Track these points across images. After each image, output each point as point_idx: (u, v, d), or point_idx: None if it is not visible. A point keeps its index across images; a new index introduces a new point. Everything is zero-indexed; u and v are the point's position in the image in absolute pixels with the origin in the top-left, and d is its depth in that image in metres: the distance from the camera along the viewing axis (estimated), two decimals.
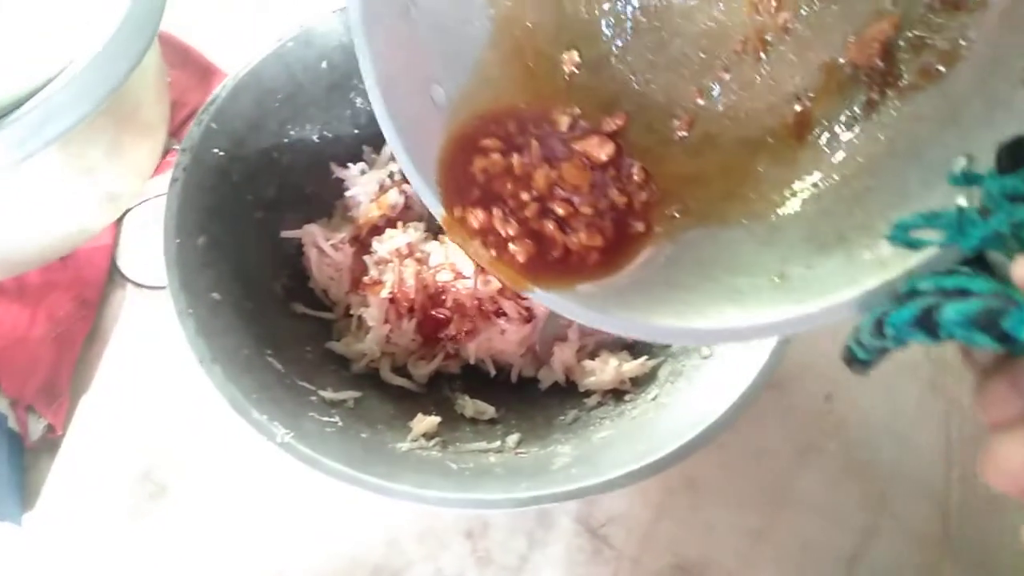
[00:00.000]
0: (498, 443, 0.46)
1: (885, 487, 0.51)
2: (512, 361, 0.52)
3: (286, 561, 0.47)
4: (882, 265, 0.27)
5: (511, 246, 0.36)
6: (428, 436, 0.45)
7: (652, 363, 0.50)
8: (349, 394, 0.47)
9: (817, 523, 0.50)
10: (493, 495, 0.39)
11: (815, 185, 0.33)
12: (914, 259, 0.26)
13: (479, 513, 0.49)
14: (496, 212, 0.36)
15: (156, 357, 0.54)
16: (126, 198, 0.57)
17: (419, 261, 0.51)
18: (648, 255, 0.36)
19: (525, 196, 0.37)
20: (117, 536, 0.48)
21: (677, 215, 0.37)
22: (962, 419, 0.54)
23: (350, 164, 0.56)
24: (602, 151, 0.38)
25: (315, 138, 0.56)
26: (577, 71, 0.40)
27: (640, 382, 0.50)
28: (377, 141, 0.58)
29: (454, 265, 0.50)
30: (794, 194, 0.34)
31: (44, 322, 0.53)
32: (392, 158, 0.57)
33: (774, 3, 0.35)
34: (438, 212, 0.36)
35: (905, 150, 0.30)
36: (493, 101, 0.39)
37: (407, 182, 0.55)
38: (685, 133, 0.38)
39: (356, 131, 0.58)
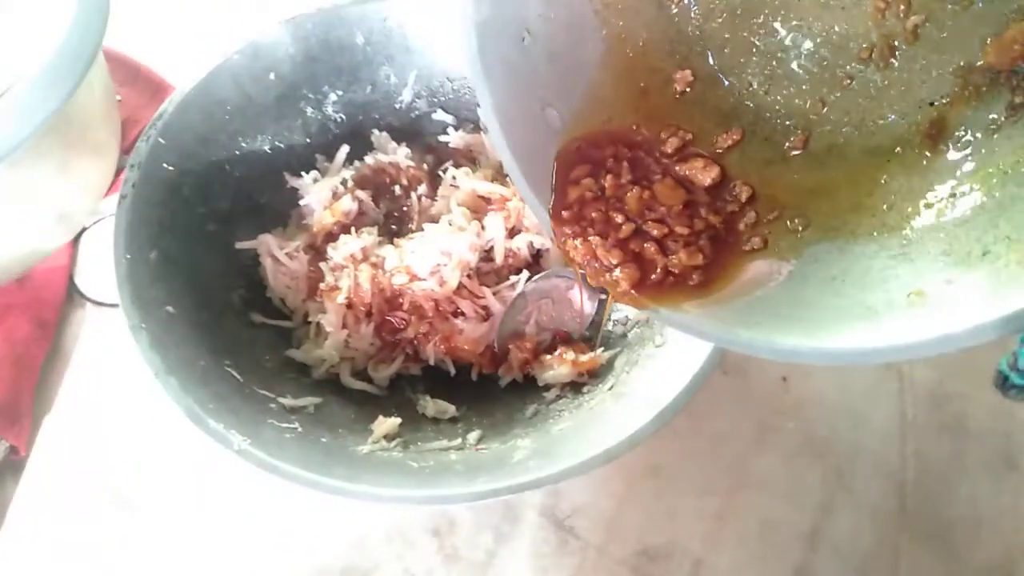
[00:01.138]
0: (459, 440, 0.47)
1: (842, 464, 0.52)
2: (471, 360, 0.52)
3: (255, 570, 0.48)
4: None
5: (616, 273, 0.36)
6: (389, 437, 0.46)
7: (608, 354, 0.51)
8: (309, 400, 0.47)
9: (777, 502, 0.51)
10: (451, 490, 0.39)
11: (952, 195, 0.32)
12: None
13: (445, 510, 0.50)
14: (594, 239, 0.37)
15: (118, 374, 0.54)
16: (80, 217, 0.57)
17: (374, 265, 0.51)
18: (769, 272, 0.36)
19: (619, 218, 0.37)
20: (85, 554, 0.48)
21: (801, 229, 0.36)
22: (915, 396, 0.55)
23: (303, 173, 0.57)
24: (707, 175, 0.38)
25: (267, 148, 0.56)
26: (690, 89, 0.40)
27: (597, 373, 0.50)
28: (329, 149, 0.59)
29: (409, 268, 0.50)
30: (929, 205, 0.32)
31: (2, 344, 0.53)
32: (345, 163, 0.58)
33: (903, 6, 0.34)
34: (550, 233, 0.38)
35: None
36: (606, 122, 0.40)
37: (360, 187, 0.55)
38: (801, 149, 0.38)
39: (308, 140, 0.59)
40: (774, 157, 0.39)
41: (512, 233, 0.54)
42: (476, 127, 0.60)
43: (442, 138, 0.60)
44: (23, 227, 0.51)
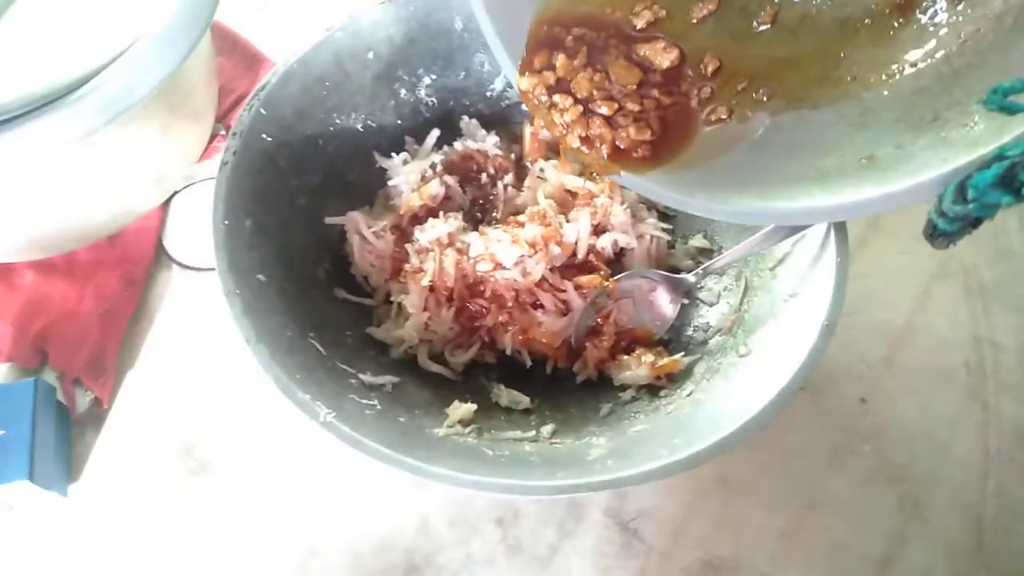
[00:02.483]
0: (533, 432, 0.47)
1: (919, 493, 0.51)
2: (547, 353, 0.52)
3: (319, 540, 0.48)
4: (973, 143, 0.27)
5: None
6: (464, 423, 0.46)
7: (688, 360, 0.50)
8: (387, 379, 0.48)
9: (848, 525, 0.50)
10: (530, 481, 0.39)
11: (914, 65, 0.33)
12: (1008, 135, 0.25)
13: (511, 501, 0.50)
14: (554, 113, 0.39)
15: (199, 336, 0.55)
16: (174, 181, 0.59)
17: (459, 251, 0.51)
18: (733, 140, 0.37)
19: (566, 102, 0.40)
20: (157, 509, 0.49)
21: (766, 98, 0.37)
22: (1000, 431, 0.53)
23: (393, 154, 0.57)
24: (667, 56, 0.40)
25: (359, 127, 0.57)
26: None
27: (675, 378, 0.50)
28: (419, 132, 0.59)
29: (494, 256, 0.50)
30: (891, 75, 0.34)
31: (92, 298, 0.54)
32: (434, 148, 0.58)
33: None
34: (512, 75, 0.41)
35: (1012, 25, 0.30)
36: None
37: (448, 173, 0.56)
38: (770, 24, 0.39)
39: (399, 121, 0.59)
40: (747, 29, 0.40)
41: (598, 231, 0.53)
42: None
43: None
44: (123, 186, 0.52)
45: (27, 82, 0.42)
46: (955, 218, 0.27)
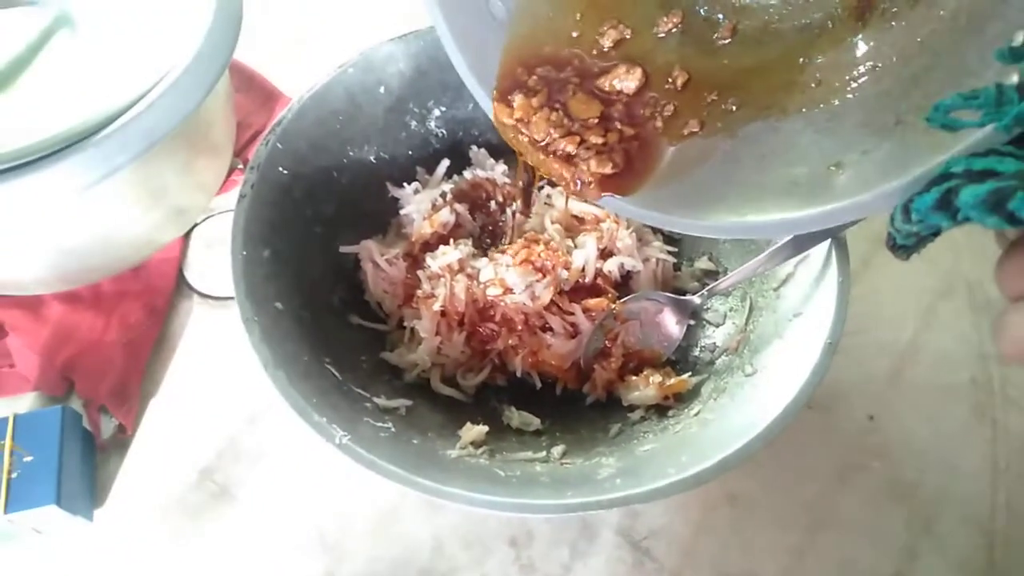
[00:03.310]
0: (543, 453, 0.48)
1: (928, 510, 0.51)
2: (557, 375, 0.53)
3: (335, 561, 0.49)
4: (934, 147, 0.27)
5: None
6: (476, 444, 0.47)
7: (695, 380, 0.51)
8: (401, 402, 0.49)
9: (858, 543, 0.50)
10: (541, 500, 0.40)
11: (875, 67, 0.34)
12: (962, 143, 0.26)
13: (524, 522, 0.51)
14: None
15: (220, 364, 0.56)
16: (193, 213, 0.61)
17: (469, 276, 0.53)
18: (705, 154, 0.38)
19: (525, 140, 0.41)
20: (179, 532, 0.50)
21: (735, 108, 0.38)
22: (1009, 446, 0.54)
23: (404, 184, 0.59)
24: (632, 78, 0.40)
25: (372, 158, 0.59)
26: None
27: (683, 398, 0.51)
28: (429, 162, 0.61)
29: (503, 281, 0.52)
30: (854, 79, 0.34)
31: (117, 328, 0.56)
32: (444, 177, 0.60)
33: None
34: (489, 111, 0.42)
35: (965, 25, 0.30)
36: (548, 16, 0.42)
37: (458, 201, 0.57)
38: (729, 37, 0.40)
39: (410, 152, 0.61)
40: (712, 40, 0.40)
41: (604, 254, 0.55)
42: None
43: None
44: (145, 219, 0.54)
45: (55, 123, 0.44)
46: (908, 235, 0.28)
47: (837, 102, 0.34)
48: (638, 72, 0.40)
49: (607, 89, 0.41)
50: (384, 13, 0.79)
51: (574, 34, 0.42)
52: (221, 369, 0.56)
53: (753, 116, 0.37)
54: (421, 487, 0.40)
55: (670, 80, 0.40)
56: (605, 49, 0.41)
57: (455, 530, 0.50)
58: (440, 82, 0.59)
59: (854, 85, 0.34)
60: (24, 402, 0.54)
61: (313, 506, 0.51)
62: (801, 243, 0.48)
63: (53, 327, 0.56)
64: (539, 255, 0.52)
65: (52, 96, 0.48)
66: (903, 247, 0.30)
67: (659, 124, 0.40)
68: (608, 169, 0.38)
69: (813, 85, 0.36)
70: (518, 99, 0.41)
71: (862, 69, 0.34)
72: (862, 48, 0.35)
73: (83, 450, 0.51)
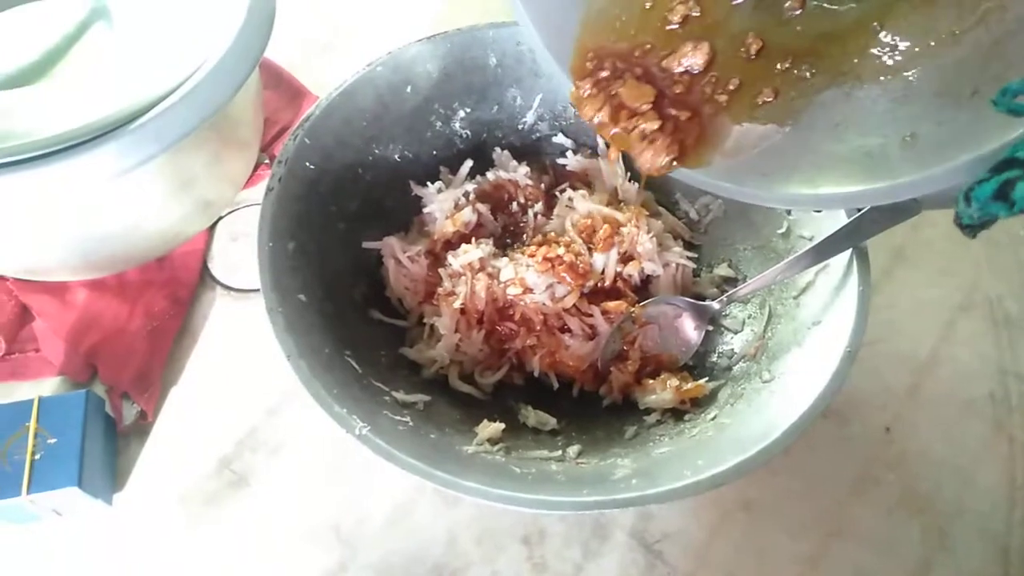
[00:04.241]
0: (559, 453, 0.48)
1: (944, 523, 0.51)
2: (574, 376, 0.54)
3: (350, 552, 0.50)
4: (1007, 124, 0.27)
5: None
6: (492, 441, 0.47)
7: (712, 385, 0.51)
8: (419, 397, 0.49)
9: (873, 554, 0.50)
10: (556, 497, 0.40)
11: (952, 33, 0.32)
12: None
13: (536, 520, 0.51)
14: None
15: (240, 356, 0.57)
16: (219, 206, 0.61)
17: (490, 276, 0.53)
18: (780, 121, 0.38)
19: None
20: (196, 519, 0.51)
21: (809, 75, 0.37)
22: None
23: (428, 183, 0.60)
24: (699, 55, 0.40)
25: (397, 157, 0.59)
26: None
27: (700, 403, 0.51)
28: (453, 162, 0.61)
29: (523, 280, 0.52)
30: (931, 46, 0.33)
31: (141, 317, 0.57)
32: (467, 177, 0.60)
33: None
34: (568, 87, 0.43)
35: None
36: None
37: (480, 201, 0.58)
38: (800, 6, 0.39)
39: (434, 152, 0.61)
40: (785, 8, 0.39)
41: (624, 258, 0.55)
42: (594, 152, 0.62)
43: (560, 160, 0.62)
44: (173, 211, 0.55)
45: (90, 112, 0.45)
46: (972, 217, 0.28)
47: (914, 70, 0.34)
48: (705, 47, 0.40)
49: (675, 68, 0.41)
50: (413, 17, 0.80)
51: (647, 5, 0.42)
52: (242, 360, 0.57)
53: (828, 83, 0.36)
54: (439, 479, 0.40)
55: (743, 48, 0.40)
56: (675, 21, 0.41)
57: (469, 526, 0.51)
58: (466, 84, 0.60)
59: (931, 51, 0.33)
60: (48, 386, 0.55)
61: (329, 498, 0.52)
62: (822, 252, 0.48)
63: (79, 313, 0.57)
64: (563, 257, 0.52)
65: (88, 86, 0.49)
66: (969, 227, 0.30)
67: (723, 98, 0.40)
68: (664, 159, 0.39)
69: (889, 52, 0.35)
70: (587, 87, 0.42)
71: (941, 34, 0.33)
72: (942, 11, 0.34)
73: (105, 435, 0.51)
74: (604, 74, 0.42)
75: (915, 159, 0.31)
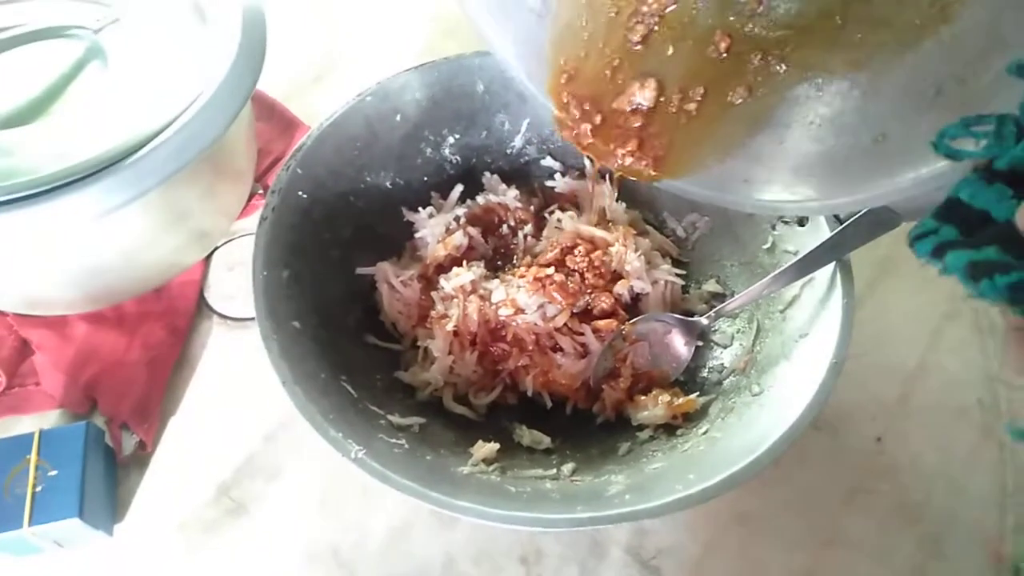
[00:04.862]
0: (554, 471, 0.48)
1: (937, 531, 0.51)
2: (567, 394, 0.54)
3: None
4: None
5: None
6: (488, 461, 0.48)
7: (703, 400, 0.52)
8: (414, 420, 0.50)
9: (867, 563, 0.50)
10: (551, 515, 0.41)
11: (914, 24, 0.32)
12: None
13: (533, 540, 0.51)
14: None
15: (238, 384, 0.58)
16: (215, 237, 0.62)
17: (482, 298, 0.54)
18: (756, 120, 0.38)
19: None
20: (196, 547, 0.51)
21: (780, 69, 0.37)
22: (1016, 467, 0.54)
23: (419, 208, 0.61)
24: (647, 89, 0.42)
25: (388, 184, 0.61)
26: None
27: (692, 418, 0.51)
28: (443, 188, 0.63)
29: (515, 301, 0.53)
30: (893, 36, 0.33)
31: (139, 348, 0.58)
32: (457, 202, 0.61)
33: None
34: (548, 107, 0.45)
35: None
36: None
37: (471, 225, 0.59)
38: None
39: (425, 178, 0.63)
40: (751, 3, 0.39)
41: (614, 277, 0.56)
42: (582, 174, 0.63)
43: (549, 183, 0.64)
44: (169, 242, 0.56)
45: (87, 149, 0.46)
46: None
47: (879, 63, 0.34)
48: (652, 83, 0.41)
49: (626, 108, 0.42)
50: (401, 46, 0.81)
51: (612, 14, 0.43)
52: (239, 388, 0.58)
53: (799, 78, 0.37)
54: (434, 500, 0.41)
55: (713, 47, 0.40)
56: (638, 37, 0.42)
57: (466, 547, 0.51)
58: (454, 111, 0.62)
59: (895, 44, 0.33)
60: (49, 419, 0.56)
61: (327, 523, 0.52)
62: (806, 266, 0.49)
63: (78, 346, 0.57)
64: (553, 277, 0.53)
65: (84, 123, 0.50)
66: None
67: (691, 107, 0.41)
68: (640, 166, 0.41)
69: (857, 38, 0.35)
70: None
71: (904, 26, 0.33)
72: (904, 1, 0.33)
73: (105, 466, 0.52)
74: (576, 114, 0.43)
75: (886, 164, 0.31)
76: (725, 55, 0.40)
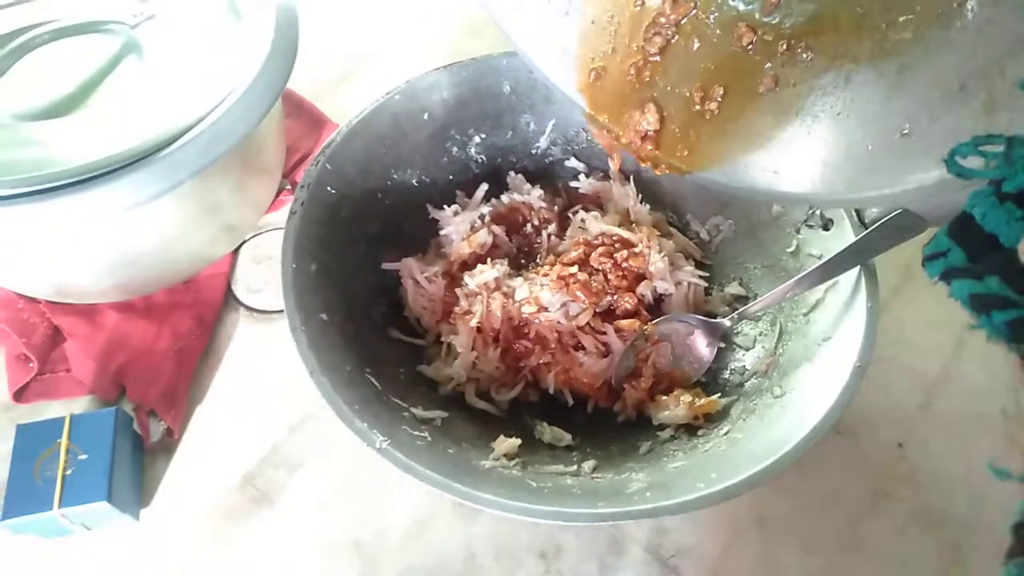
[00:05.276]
0: (575, 467, 0.49)
1: (958, 538, 0.51)
2: (589, 393, 0.55)
3: (369, 568, 0.51)
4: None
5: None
6: (509, 456, 0.48)
7: (725, 401, 0.52)
8: (437, 413, 0.51)
9: (887, 569, 0.50)
10: (572, 509, 0.41)
11: (939, 14, 0.32)
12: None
13: (553, 535, 0.51)
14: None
15: (263, 375, 0.59)
16: (243, 230, 0.64)
17: (505, 295, 0.55)
18: (785, 111, 0.38)
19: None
20: (220, 534, 0.52)
21: (807, 57, 0.37)
22: None
23: (445, 206, 0.61)
24: (647, 116, 0.44)
25: (414, 182, 0.61)
26: None
27: (713, 419, 0.52)
28: (469, 186, 0.63)
29: (538, 299, 0.54)
30: (920, 25, 0.32)
31: (168, 337, 0.59)
32: (482, 201, 0.62)
33: None
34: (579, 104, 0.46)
35: None
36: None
37: (496, 223, 0.59)
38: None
39: (451, 177, 0.63)
40: None
41: (637, 278, 0.56)
42: (606, 175, 0.64)
43: (573, 183, 0.64)
44: (200, 234, 0.57)
45: (124, 140, 0.47)
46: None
47: (905, 53, 0.33)
48: (652, 108, 0.43)
49: (634, 139, 0.44)
50: (429, 47, 0.82)
51: (636, 8, 0.44)
52: (264, 379, 0.58)
53: (826, 66, 0.36)
54: (457, 491, 0.42)
55: (736, 39, 0.40)
56: (655, 48, 0.43)
57: (486, 541, 0.51)
58: (481, 111, 0.62)
59: (921, 34, 0.33)
60: (78, 405, 0.57)
61: (349, 514, 0.53)
62: (830, 270, 0.49)
63: (108, 334, 0.58)
64: (577, 276, 0.54)
65: (120, 116, 0.51)
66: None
67: (713, 106, 0.41)
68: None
69: (884, 26, 0.34)
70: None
71: (930, 15, 0.33)
72: None
73: (133, 451, 0.53)
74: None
75: (911, 160, 0.31)
76: (751, 48, 0.40)
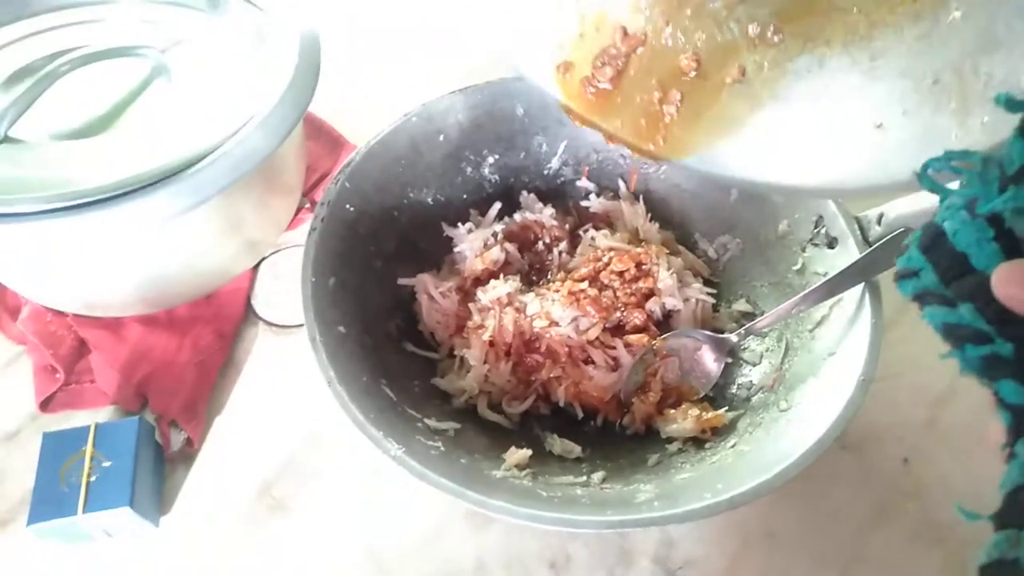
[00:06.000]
0: (584, 478, 0.50)
1: (964, 553, 0.52)
2: (598, 406, 0.56)
3: None
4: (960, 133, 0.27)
5: None
6: (520, 467, 0.50)
7: (732, 414, 0.53)
8: (450, 425, 0.52)
9: None
10: (581, 516, 0.42)
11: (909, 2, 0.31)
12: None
13: (563, 545, 0.52)
14: None
15: (281, 387, 0.60)
16: (264, 247, 0.66)
17: (517, 310, 0.56)
18: (757, 99, 0.37)
19: None
20: (237, 542, 0.53)
21: (778, 40, 0.36)
22: None
23: (459, 224, 0.63)
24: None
25: (430, 200, 0.63)
26: None
27: (720, 432, 0.53)
28: (482, 205, 0.65)
29: (549, 314, 0.55)
30: (891, 10, 0.32)
31: (189, 350, 0.60)
32: (495, 219, 0.64)
33: None
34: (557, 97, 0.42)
35: None
36: None
37: (508, 241, 0.61)
38: None
39: (465, 196, 0.65)
40: None
41: (646, 294, 0.58)
42: (616, 195, 0.66)
43: (583, 203, 0.66)
44: (223, 250, 0.59)
45: (152, 159, 0.49)
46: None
47: (880, 39, 0.33)
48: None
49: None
50: (444, 71, 0.84)
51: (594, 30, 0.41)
52: (282, 392, 0.60)
53: (799, 49, 0.35)
54: (470, 499, 0.43)
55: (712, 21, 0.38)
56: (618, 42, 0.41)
57: (497, 551, 0.52)
58: (495, 132, 0.64)
59: (893, 19, 0.32)
60: (102, 415, 0.59)
61: (364, 523, 0.54)
62: (835, 286, 0.50)
63: (132, 347, 0.60)
64: (587, 291, 0.55)
65: (149, 136, 0.53)
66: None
67: (673, 111, 0.39)
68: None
69: (855, 10, 0.33)
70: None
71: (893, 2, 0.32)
72: None
73: (154, 460, 0.54)
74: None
75: (886, 155, 0.31)
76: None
